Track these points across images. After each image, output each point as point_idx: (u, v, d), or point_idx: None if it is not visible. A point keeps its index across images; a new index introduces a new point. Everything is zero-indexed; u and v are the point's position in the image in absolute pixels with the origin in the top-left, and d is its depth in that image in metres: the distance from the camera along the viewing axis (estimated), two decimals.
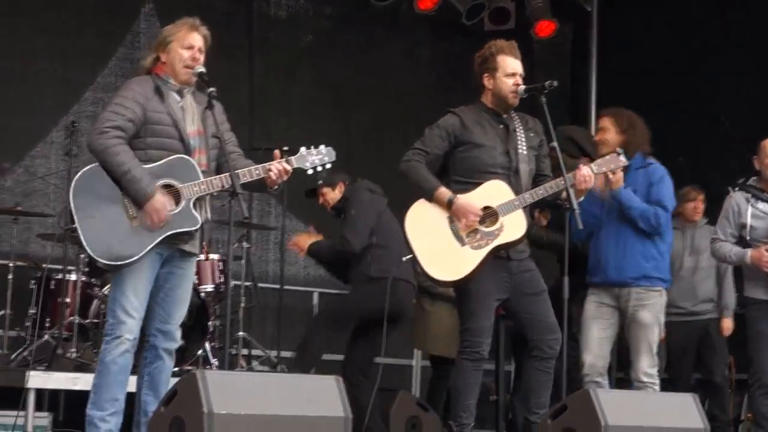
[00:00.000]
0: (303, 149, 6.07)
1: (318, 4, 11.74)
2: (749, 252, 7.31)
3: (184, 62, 5.78)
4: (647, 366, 7.17)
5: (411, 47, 11.95)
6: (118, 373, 5.67)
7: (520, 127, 6.53)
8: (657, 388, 7.22)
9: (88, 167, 5.68)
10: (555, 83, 6.58)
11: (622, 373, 7.80)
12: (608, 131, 7.23)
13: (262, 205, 10.70)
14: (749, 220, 7.40)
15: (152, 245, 5.61)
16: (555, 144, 6.47)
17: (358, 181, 8.34)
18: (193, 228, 5.74)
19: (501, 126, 6.48)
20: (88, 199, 5.59)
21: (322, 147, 6.12)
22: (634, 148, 7.15)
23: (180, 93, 5.84)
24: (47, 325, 8.39)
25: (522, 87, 6.44)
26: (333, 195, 8.30)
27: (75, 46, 10.35)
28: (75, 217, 5.56)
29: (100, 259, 5.60)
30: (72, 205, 5.57)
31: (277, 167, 5.87)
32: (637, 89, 12.06)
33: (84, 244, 5.57)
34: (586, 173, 6.44)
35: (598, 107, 12.24)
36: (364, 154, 11.19)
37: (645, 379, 7.17)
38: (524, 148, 6.48)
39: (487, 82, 6.48)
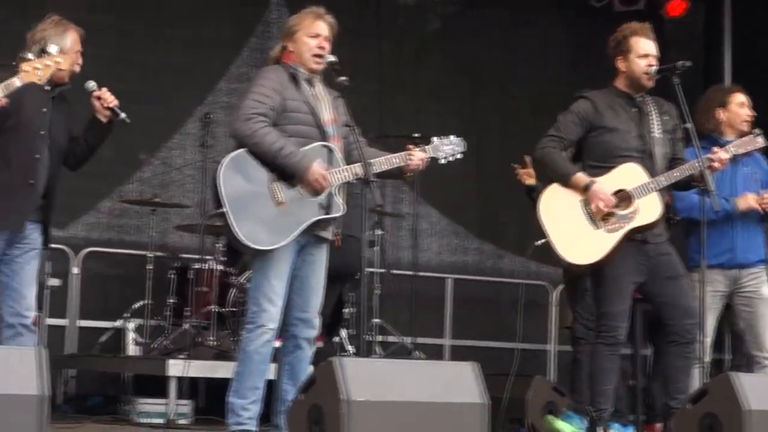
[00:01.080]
0: (435, 139, 6.11)
1: None
2: None
3: (311, 51, 5.81)
4: None
5: (539, 31, 11.84)
6: (260, 362, 5.71)
7: (654, 111, 6.45)
8: None
9: (232, 154, 5.72)
10: (688, 63, 6.50)
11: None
12: (744, 106, 7.11)
13: (395, 192, 10.71)
14: None
15: (300, 230, 5.64)
16: (690, 125, 6.40)
17: None
18: (339, 213, 5.78)
19: (634, 109, 6.40)
20: (235, 185, 5.63)
21: (452, 137, 6.16)
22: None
23: (310, 82, 5.89)
24: (186, 314, 8.50)
25: (654, 68, 6.38)
26: None
27: (208, 36, 10.46)
28: (224, 202, 5.60)
29: (249, 244, 5.61)
30: (221, 190, 5.60)
31: (418, 155, 5.93)
32: None
33: (233, 227, 5.58)
34: (723, 156, 6.37)
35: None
36: (494, 138, 11.15)
37: None
38: (658, 131, 6.40)
39: (621, 64, 6.41)
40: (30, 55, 5.50)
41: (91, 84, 5.92)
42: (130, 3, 10.14)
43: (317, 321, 5.92)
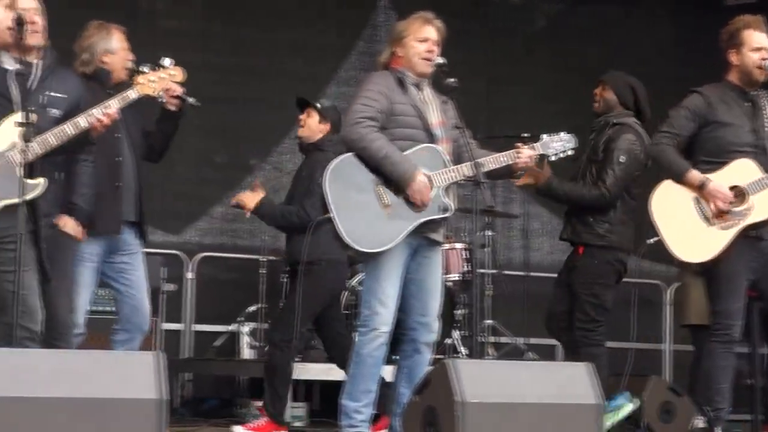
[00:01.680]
0: (545, 136, 6.11)
1: None
2: None
3: (420, 55, 5.85)
4: None
5: (647, 26, 11.73)
6: (372, 365, 5.75)
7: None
8: None
9: (339, 158, 5.78)
10: None
11: None
12: None
13: (505, 193, 10.69)
14: None
15: (407, 232, 5.66)
16: None
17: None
18: (447, 214, 5.79)
19: (747, 104, 6.33)
20: (342, 189, 5.69)
21: (563, 134, 6.17)
22: None
23: (418, 86, 5.92)
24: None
25: (764, 61, 6.29)
26: (315, 127, 7.46)
27: (316, 41, 10.57)
28: (331, 206, 5.66)
29: (356, 247, 5.67)
30: (327, 194, 5.67)
31: (527, 153, 5.95)
32: None
33: (341, 231, 5.64)
34: None
35: None
36: None
37: None
38: None
39: (733, 57, 6.33)
40: (145, 68, 5.61)
41: (181, 78, 5.97)
42: (240, 11, 10.28)
43: (436, 324, 5.92)
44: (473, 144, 5.97)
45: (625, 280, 10.66)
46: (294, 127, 10.07)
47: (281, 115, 10.12)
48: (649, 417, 7.19)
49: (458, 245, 8.81)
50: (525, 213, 10.26)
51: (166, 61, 5.62)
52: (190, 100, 6.17)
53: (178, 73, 5.69)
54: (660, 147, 6.29)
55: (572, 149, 6.19)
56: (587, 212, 6.71)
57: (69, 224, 5.75)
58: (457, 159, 5.90)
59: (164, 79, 5.59)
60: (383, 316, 5.69)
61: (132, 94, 5.47)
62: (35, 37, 5.23)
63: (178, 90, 6.12)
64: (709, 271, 6.29)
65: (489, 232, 9.26)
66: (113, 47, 6.18)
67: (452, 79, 5.84)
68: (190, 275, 9.54)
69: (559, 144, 6.13)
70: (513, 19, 11.54)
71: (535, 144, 6.07)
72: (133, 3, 9.93)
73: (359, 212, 5.67)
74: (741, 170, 6.18)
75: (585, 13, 11.66)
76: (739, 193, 6.17)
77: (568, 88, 11.32)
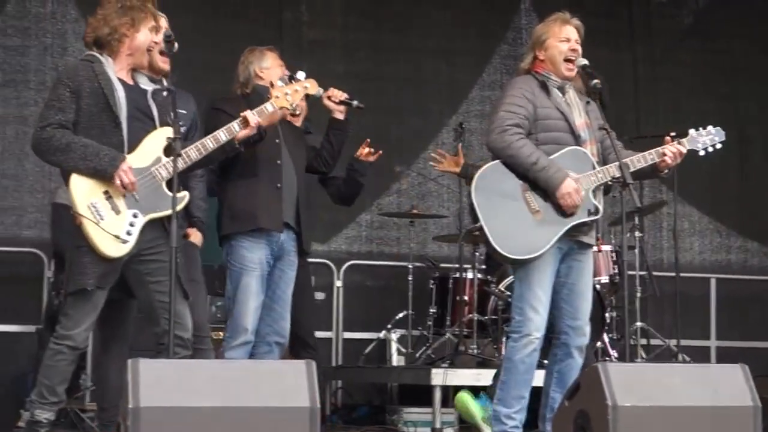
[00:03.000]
0: (692, 131, 6.06)
1: None
2: None
3: (565, 55, 5.85)
4: None
5: None
6: (525, 372, 5.73)
7: None
8: None
9: (486, 166, 5.82)
10: None
11: None
12: None
13: (653, 192, 10.59)
14: None
15: (558, 236, 5.66)
16: None
17: None
18: (597, 216, 5.78)
19: None
20: (489, 197, 5.71)
21: (710, 128, 6.09)
22: None
23: (561, 89, 5.91)
24: (447, 323, 8.60)
25: None
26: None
27: (459, 45, 10.62)
28: (479, 215, 5.68)
29: (507, 254, 5.68)
30: (475, 202, 5.70)
31: (672, 150, 5.88)
32: None
33: (490, 240, 5.66)
34: None
35: None
36: (755, 132, 10.93)
37: None
38: None
39: None
40: (280, 82, 5.74)
41: (315, 91, 6.09)
42: (380, 19, 10.37)
43: (588, 328, 5.90)
44: (619, 145, 5.92)
45: None
46: (439, 132, 10.21)
47: (426, 121, 10.20)
48: None
49: (606, 247, 8.75)
50: (674, 211, 10.11)
51: (300, 74, 5.78)
52: (354, 103, 6.29)
53: (312, 85, 5.85)
54: None
55: (721, 142, 6.09)
56: None
57: (196, 236, 6.11)
58: (604, 160, 5.89)
59: (298, 92, 5.75)
60: (536, 321, 5.68)
61: (268, 106, 5.65)
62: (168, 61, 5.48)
63: (341, 95, 6.27)
64: None
65: (637, 234, 9.16)
66: (267, 65, 6.39)
67: (596, 81, 5.83)
68: (338, 283, 9.66)
69: (707, 138, 6.06)
70: (659, 17, 11.42)
71: (682, 140, 5.99)
72: (278, 15, 10.10)
73: (508, 220, 5.68)
74: None
75: (732, 8, 11.48)
76: None
77: (716, 85, 11.20)
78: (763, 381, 5.67)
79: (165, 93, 5.36)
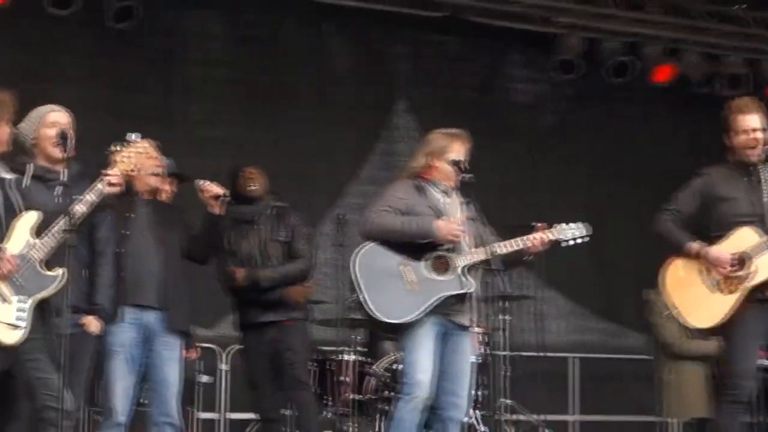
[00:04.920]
0: (563, 224, 6.19)
1: (557, 87, 11.70)
2: None
3: (453, 171, 6.01)
4: None
5: (649, 118, 11.85)
6: (410, 428, 5.82)
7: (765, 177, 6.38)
8: None
9: (364, 247, 5.97)
10: None
11: None
12: None
13: (519, 278, 10.72)
14: None
15: (431, 302, 5.80)
16: None
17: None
18: (468, 289, 5.89)
19: (746, 178, 6.33)
20: (369, 271, 5.87)
21: (579, 223, 6.22)
22: None
23: (446, 192, 6.09)
24: (328, 402, 8.49)
25: (758, 150, 6.38)
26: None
27: (339, 142, 10.72)
28: (361, 286, 5.85)
29: (384, 319, 5.82)
30: (357, 276, 5.86)
31: (538, 237, 6.03)
32: None
33: (369, 307, 5.83)
34: None
35: None
36: (612, 225, 11.16)
37: None
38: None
39: (727, 140, 6.40)
40: (117, 147, 5.62)
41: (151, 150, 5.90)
42: (266, 118, 10.45)
43: (465, 404, 6.04)
44: (493, 237, 6.12)
45: (637, 356, 10.76)
46: (320, 224, 10.21)
47: (306, 214, 10.12)
48: None
49: (476, 329, 8.82)
50: (540, 297, 10.29)
51: (133, 136, 5.66)
52: (227, 198, 6.28)
53: (149, 146, 5.70)
54: (663, 223, 6.35)
55: (587, 236, 6.23)
56: None
57: (93, 324, 5.74)
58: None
59: (139, 154, 5.59)
60: (422, 383, 5.79)
61: (112, 170, 5.46)
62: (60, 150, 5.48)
63: (212, 191, 6.26)
64: (723, 335, 6.27)
65: (505, 316, 9.27)
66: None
67: (469, 175, 6.00)
68: (224, 367, 9.58)
69: (575, 231, 6.19)
70: (522, 117, 11.66)
71: (552, 229, 6.13)
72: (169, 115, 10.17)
73: (385, 290, 5.85)
74: (742, 237, 6.20)
75: (590, 110, 11.78)
76: (742, 259, 6.16)
77: (576, 181, 11.40)
78: None
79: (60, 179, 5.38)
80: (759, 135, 6.30)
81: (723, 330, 6.22)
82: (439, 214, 5.94)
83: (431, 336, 5.87)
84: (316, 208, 10.25)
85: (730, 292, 6.14)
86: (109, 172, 5.37)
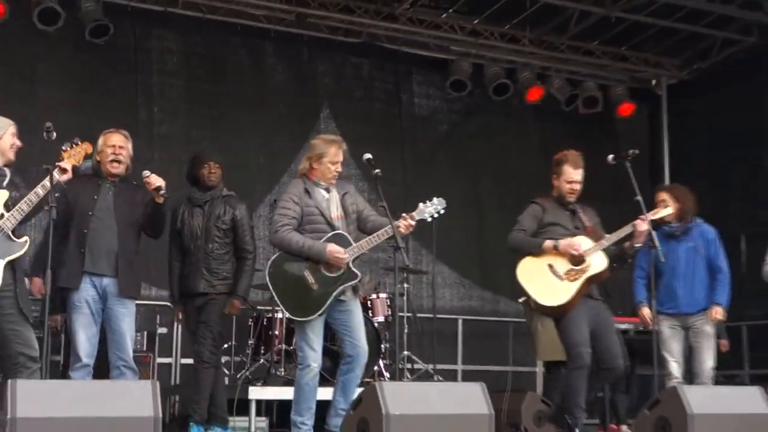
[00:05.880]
0: (420, 204, 6.11)
1: (450, 102, 11.69)
2: None
3: (332, 173, 6.03)
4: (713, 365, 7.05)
5: (522, 129, 11.91)
6: (310, 391, 5.90)
7: (581, 211, 6.54)
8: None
9: (275, 256, 6.04)
10: (637, 152, 6.64)
11: None
12: (667, 201, 7.10)
13: (416, 255, 10.72)
14: None
15: (330, 302, 5.87)
16: (639, 198, 6.43)
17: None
18: (355, 282, 5.93)
19: (567, 212, 6.50)
20: (279, 277, 5.95)
21: (435, 199, 6.14)
22: (689, 214, 7.05)
23: (327, 190, 6.05)
24: (262, 351, 8.50)
25: (610, 157, 6.53)
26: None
27: (275, 141, 10.62)
28: (272, 291, 5.98)
29: (294, 318, 5.93)
30: (269, 283, 5.96)
31: (404, 223, 5.93)
32: (702, 155, 11.89)
33: (281, 307, 6.00)
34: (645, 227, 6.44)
35: (671, 171, 12.13)
36: (491, 215, 11.20)
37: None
38: (587, 222, 6.50)
39: (555, 182, 6.51)
40: (66, 146, 5.62)
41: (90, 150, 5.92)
42: (216, 120, 10.29)
43: (366, 349, 5.99)
44: (373, 216, 6.13)
45: (506, 319, 10.81)
46: (257, 206, 10.10)
47: (250, 200, 10.01)
48: (526, 422, 7.18)
49: (383, 295, 8.82)
50: (432, 269, 10.27)
51: (77, 140, 5.67)
52: (162, 191, 6.03)
53: (88, 146, 5.72)
54: (517, 237, 6.39)
55: (444, 209, 6.15)
56: None
57: (36, 284, 5.84)
58: (366, 231, 6.07)
59: (81, 152, 5.61)
60: (315, 356, 5.88)
61: (63, 164, 5.50)
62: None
63: (155, 183, 6.01)
64: (558, 317, 6.35)
65: (405, 285, 9.26)
66: (99, 147, 6.20)
67: (377, 170, 5.98)
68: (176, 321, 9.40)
69: (431, 208, 6.10)
70: (421, 126, 11.62)
71: (412, 213, 6.02)
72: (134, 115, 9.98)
73: (293, 292, 5.91)
74: (580, 242, 6.32)
75: (475, 122, 11.81)
76: (581, 256, 6.29)
77: (463, 180, 11.42)
78: (496, 395, 5.74)
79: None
80: (577, 186, 6.48)
81: (560, 312, 6.28)
82: (324, 214, 5.97)
83: (322, 321, 5.94)
84: (256, 194, 10.16)
85: (573, 281, 6.23)
86: (60, 163, 5.42)
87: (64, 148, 5.59)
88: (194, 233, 6.85)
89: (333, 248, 5.85)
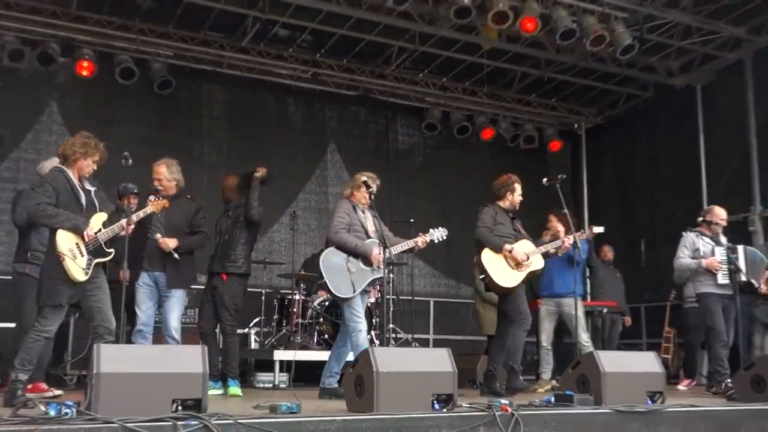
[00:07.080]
0: (431, 229, 6.28)
1: (425, 139, 11.69)
2: (704, 261, 6.96)
3: (365, 199, 6.10)
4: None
5: (479, 160, 11.92)
6: (343, 345, 6.16)
7: (517, 219, 6.61)
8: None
9: (327, 250, 6.03)
10: (564, 176, 6.65)
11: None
12: (553, 222, 7.41)
13: (398, 256, 10.67)
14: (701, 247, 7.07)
15: (364, 285, 5.96)
16: (565, 211, 6.50)
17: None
18: (379, 275, 5.99)
19: (509, 217, 6.56)
20: (329, 265, 5.95)
21: (440, 228, 6.30)
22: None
23: (363, 211, 6.14)
24: (284, 324, 8.46)
25: (544, 180, 6.51)
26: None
27: (293, 167, 10.55)
28: (324, 275, 5.93)
29: (339, 295, 5.91)
30: (322, 268, 5.95)
31: (422, 240, 6.18)
32: (612, 179, 11.91)
33: (330, 288, 5.93)
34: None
35: (588, 192, 12.15)
36: (456, 225, 11.16)
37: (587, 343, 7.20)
38: (521, 228, 6.57)
39: (509, 195, 6.53)
40: (152, 197, 5.65)
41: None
42: (248, 150, 10.25)
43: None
44: (390, 234, 6.22)
45: (466, 300, 10.77)
46: (280, 217, 10.07)
47: (272, 211, 10.03)
48: (479, 378, 7.16)
49: None
50: (411, 264, 10.27)
51: (161, 196, 5.79)
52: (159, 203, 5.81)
53: (166, 203, 5.65)
54: (483, 233, 6.37)
55: (445, 235, 6.29)
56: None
57: (125, 274, 5.41)
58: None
59: (159, 205, 5.61)
60: (364, 322, 5.93)
61: (147, 210, 5.54)
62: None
63: (169, 247, 5.92)
64: (507, 294, 6.36)
65: (391, 275, 9.21)
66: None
67: (372, 189, 6.08)
68: None
69: (438, 234, 6.27)
70: (403, 156, 11.63)
71: (426, 235, 6.21)
72: (189, 149, 9.92)
73: (337, 276, 5.93)
74: (524, 245, 6.40)
75: (443, 155, 11.82)
76: (528, 255, 6.35)
77: (435, 198, 11.43)
78: (460, 358, 5.73)
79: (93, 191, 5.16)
80: (519, 198, 6.52)
81: (510, 291, 6.32)
82: (364, 227, 6.04)
83: (361, 300, 5.97)
84: (277, 207, 10.15)
85: (520, 271, 6.31)
86: (145, 210, 5.50)
87: (150, 199, 5.59)
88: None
89: (377, 251, 5.94)
